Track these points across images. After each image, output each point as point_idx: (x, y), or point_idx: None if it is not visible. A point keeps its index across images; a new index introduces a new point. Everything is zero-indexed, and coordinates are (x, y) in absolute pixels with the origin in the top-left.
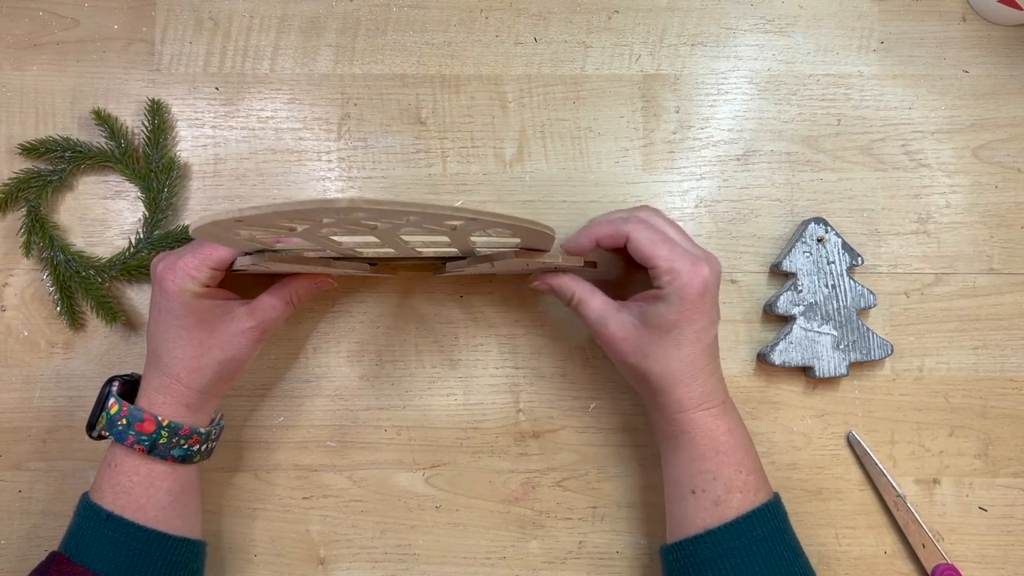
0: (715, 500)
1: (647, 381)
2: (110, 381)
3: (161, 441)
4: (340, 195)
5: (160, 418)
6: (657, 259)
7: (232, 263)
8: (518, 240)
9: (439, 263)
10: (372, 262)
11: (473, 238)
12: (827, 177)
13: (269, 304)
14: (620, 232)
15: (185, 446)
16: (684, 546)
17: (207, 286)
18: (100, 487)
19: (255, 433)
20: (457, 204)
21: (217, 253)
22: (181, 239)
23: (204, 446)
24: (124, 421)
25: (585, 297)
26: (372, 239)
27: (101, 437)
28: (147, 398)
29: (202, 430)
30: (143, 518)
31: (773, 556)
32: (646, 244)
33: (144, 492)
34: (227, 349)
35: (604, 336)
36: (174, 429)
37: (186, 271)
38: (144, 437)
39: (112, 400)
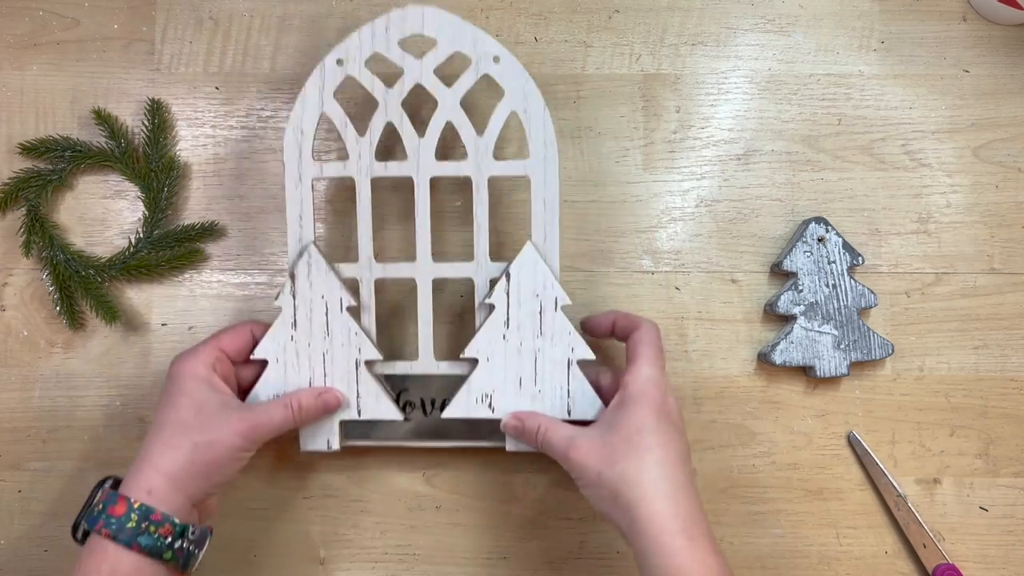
0: None
1: (619, 495)
2: (103, 481)
3: (129, 525)
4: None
5: (132, 500)
6: (642, 353)
7: (248, 353)
8: None
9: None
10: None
11: None
12: (827, 177)
13: (266, 407)
14: (635, 322)
15: (155, 534)
16: None
17: (213, 370)
18: None
19: None
20: (457, 204)
21: (228, 338)
22: (181, 238)
23: (179, 543)
24: (100, 506)
25: (551, 425)
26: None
27: (86, 534)
28: (123, 484)
29: (176, 520)
30: None
31: None
32: (646, 341)
33: None
34: (206, 432)
35: (574, 453)
36: (145, 512)
37: (195, 354)
38: (112, 520)
39: (100, 491)
